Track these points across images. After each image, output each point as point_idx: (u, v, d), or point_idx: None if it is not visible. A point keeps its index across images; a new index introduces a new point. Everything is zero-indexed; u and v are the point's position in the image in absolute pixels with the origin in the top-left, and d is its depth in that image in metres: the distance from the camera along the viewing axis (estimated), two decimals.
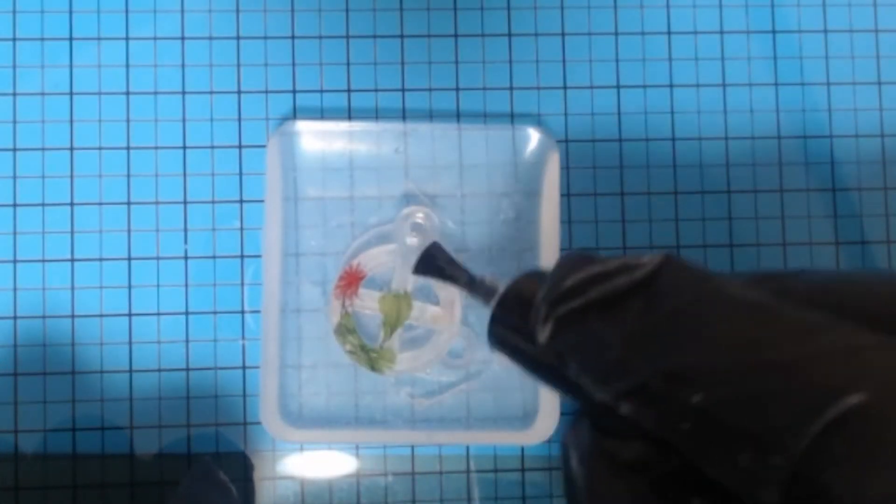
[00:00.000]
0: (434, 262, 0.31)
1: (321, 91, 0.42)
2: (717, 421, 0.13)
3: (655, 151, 0.43)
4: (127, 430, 0.40)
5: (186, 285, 0.41)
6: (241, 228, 0.41)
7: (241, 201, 0.41)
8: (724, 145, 0.43)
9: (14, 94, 0.41)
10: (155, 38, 0.42)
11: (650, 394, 0.14)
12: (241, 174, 0.41)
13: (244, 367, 0.41)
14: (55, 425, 0.40)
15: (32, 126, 0.41)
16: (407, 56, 0.42)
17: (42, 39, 0.41)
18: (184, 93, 0.42)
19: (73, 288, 0.41)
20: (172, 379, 0.40)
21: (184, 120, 0.41)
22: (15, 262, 0.40)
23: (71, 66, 0.41)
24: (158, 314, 0.41)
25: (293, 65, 0.42)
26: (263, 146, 0.41)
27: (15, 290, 0.40)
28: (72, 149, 0.41)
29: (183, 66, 0.42)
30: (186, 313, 0.41)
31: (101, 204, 0.41)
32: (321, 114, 0.42)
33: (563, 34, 0.43)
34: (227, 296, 0.41)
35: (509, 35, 0.43)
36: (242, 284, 0.41)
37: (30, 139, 0.41)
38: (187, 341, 0.41)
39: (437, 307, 0.40)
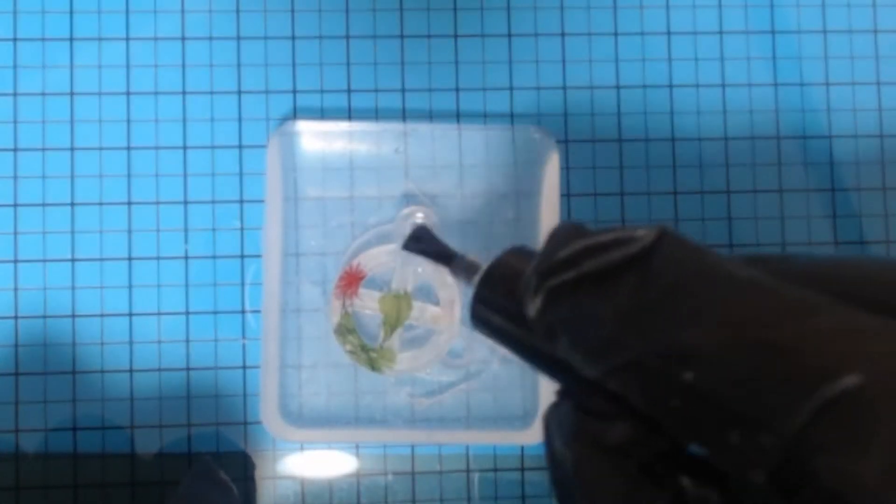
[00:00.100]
0: (419, 241, 0.34)
1: (321, 91, 0.42)
2: (709, 399, 0.13)
3: (655, 152, 0.43)
4: (128, 429, 0.40)
5: (187, 285, 0.41)
6: (242, 228, 0.41)
7: (242, 201, 0.41)
8: (723, 145, 0.43)
9: (15, 95, 0.41)
10: (155, 39, 0.42)
11: (642, 371, 0.14)
12: (241, 174, 0.41)
13: (244, 367, 0.41)
14: (56, 425, 0.40)
15: (33, 126, 0.41)
16: (407, 56, 0.42)
17: (43, 40, 0.41)
18: (184, 93, 0.42)
19: (73, 288, 0.41)
20: (173, 379, 0.41)
21: (184, 120, 0.41)
22: (16, 262, 0.41)
23: (71, 67, 0.41)
24: (159, 314, 0.41)
25: (293, 65, 0.42)
26: (264, 146, 0.41)
27: (16, 289, 0.40)
28: (72, 149, 0.41)
29: (183, 66, 0.42)
30: (187, 313, 0.41)
31: (101, 204, 0.41)
32: (321, 114, 0.42)
33: (562, 34, 0.43)
34: (227, 296, 0.41)
35: (509, 35, 0.43)
36: (243, 284, 0.41)
37: (31, 139, 0.41)
38: (188, 341, 0.41)
39: (437, 307, 0.40)
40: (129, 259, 0.41)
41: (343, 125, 0.41)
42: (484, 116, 0.42)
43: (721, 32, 0.43)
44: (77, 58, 0.41)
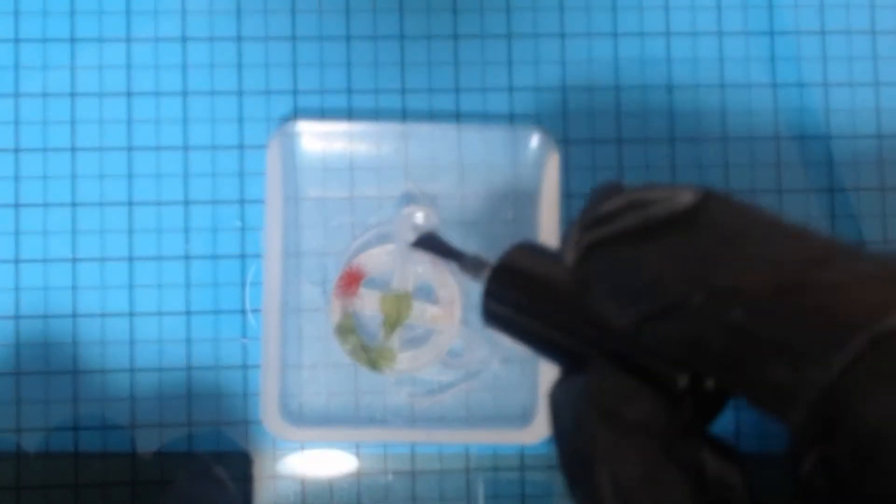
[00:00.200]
0: (430, 241, 0.36)
1: (322, 92, 0.42)
2: (756, 336, 0.13)
3: (654, 152, 0.43)
4: (128, 429, 0.40)
5: (187, 285, 0.41)
6: (242, 228, 0.41)
7: (242, 201, 0.42)
8: (722, 146, 0.43)
9: (16, 95, 0.41)
10: (156, 39, 0.42)
11: (685, 311, 0.14)
12: (241, 175, 0.42)
13: (245, 367, 0.41)
14: (57, 424, 0.40)
15: (34, 127, 0.41)
16: (407, 57, 0.43)
17: (44, 40, 0.42)
18: (185, 94, 0.42)
19: (74, 288, 0.41)
20: (174, 378, 0.41)
21: (185, 121, 0.42)
22: (17, 261, 0.41)
23: (72, 68, 0.42)
24: (160, 314, 0.41)
25: (294, 66, 0.42)
26: (264, 147, 0.41)
27: (17, 289, 0.41)
28: (73, 149, 0.41)
29: (184, 66, 0.42)
30: (187, 313, 0.41)
31: (102, 204, 0.41)
32: (322, 114, 0.42)
33: (562, 35, 0.43)
34: (227, 296, 0.41)
35: (509, 36, 0.43)
36: (243, 284, 0.41)
37: (31, 140, 0.41)
38: (188, 341, 0.41)
39: (437, 307, 0.40)
40: (130, 259, 0.41)
41: (343, 126, 0.41)
42: (484, 117, 0.42)
43: (720, 33, 0.43)
44: (78, 59, 0.42)
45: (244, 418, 0.41)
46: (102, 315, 0.41)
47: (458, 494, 0.41)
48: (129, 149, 0.41)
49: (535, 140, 0.41)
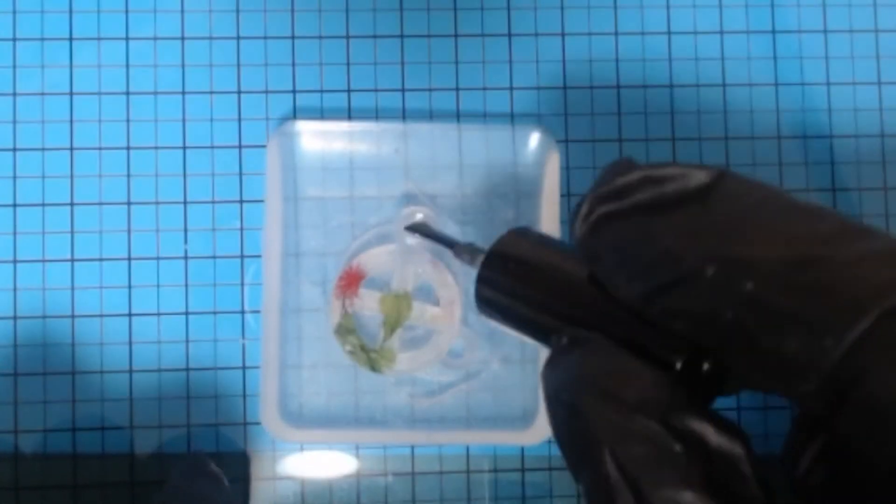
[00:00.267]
0: (423, 227, 0.37)
1: (321, 91, 0.42)
2: (769, 308, 0.13)
3: (656, 152, 0.43)
4: (127, 429, 0.40)
5: (186, 285, 0.41)
6: (242, 228, 0.41)
7: (242, 201, 0.41)
8: (723, 145, 0.43)
9: (14, 95, 0.41)
10: (155, 38, 0.42)
11: (696, 283, 0.14)
12: (241, 174, 0.41)
13: (244, 367, 0.41)
14: (55, 425, 0.40)
15: (32, 126, 0.41)
16: (407, 56, 0.42)
17: (42, 39, 0.41)
18: (184, 93, 0.42)
19: (72, 288, 0.41)
20: (172, 379, 0.41)
21: (184, 120, 0.41)
22: (15, 262, 0.40)
23: (71, 66, 0.41)
24: (158, 314, 0.41)
25: (293, 65, 0.42)
26: (263, 146, 0.41)
27: (15, 290, 0.40)
28: (72, 149, 0.41)
29: (183, 66, 0.42)
30: (186, 313, 0.41)
31: (100, 204, 0.41)
32: (321, 114, 0.42)
33: (562, 34, 0.43)
34: (227, 296, 0.41)
35: (509, 35, 0.43)
36: (243, 284, 0.41)
37: (30, 139, 0.41)
38: (187, 341, 0.41)
39: (437, 307, 0.40)
40: (129, 259, 0.41)
41: (343, 125, 0.41)
42: (484, 116, 0.42)
43: (721, 32, 0.43)
44: (76, 57, 0.41)
45: (243, 419, 0.41)
46: (101, 315, 0.41)
47: (458, 496, 0.41)
48: (128, 148, 0.41)
49: (535, 139, 0.41)
